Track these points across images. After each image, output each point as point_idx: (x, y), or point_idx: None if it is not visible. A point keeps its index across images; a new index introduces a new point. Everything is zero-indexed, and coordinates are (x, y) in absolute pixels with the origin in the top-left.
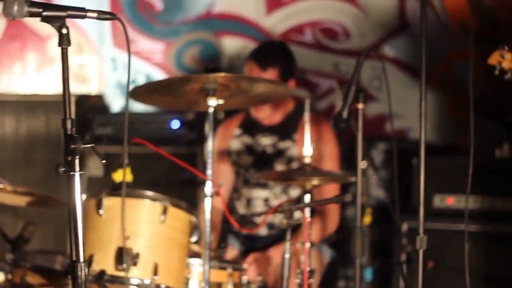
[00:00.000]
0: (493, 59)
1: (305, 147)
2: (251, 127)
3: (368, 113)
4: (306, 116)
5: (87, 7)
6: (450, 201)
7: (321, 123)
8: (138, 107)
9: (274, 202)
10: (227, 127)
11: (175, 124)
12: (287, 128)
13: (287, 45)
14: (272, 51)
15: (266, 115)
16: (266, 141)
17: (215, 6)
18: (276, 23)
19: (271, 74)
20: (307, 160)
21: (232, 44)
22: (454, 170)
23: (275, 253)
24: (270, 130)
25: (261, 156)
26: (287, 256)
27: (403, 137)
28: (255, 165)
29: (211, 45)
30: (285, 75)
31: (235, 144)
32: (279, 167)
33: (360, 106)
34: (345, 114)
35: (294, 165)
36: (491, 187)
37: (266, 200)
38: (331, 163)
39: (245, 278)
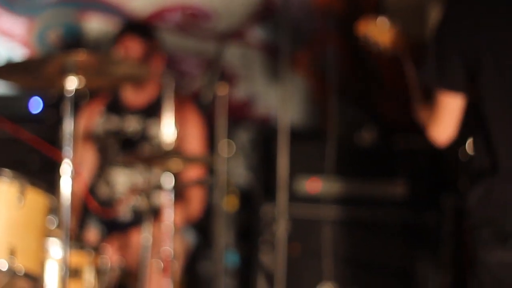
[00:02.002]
0: (359, 28)
1: (168, 129)
2: (117, 109)
3: (234, 96)
4: (169, 98)
5: None
6: (313, 185)
7: (187, 105)
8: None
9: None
10: (92, 109)
11: (38, 104)
12: (153, 111)
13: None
14: (141, 27)
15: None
16: (132, 124)
17: None
18: (143, 4)
19: (145, 45)
20: (171, 143)
21: (97, 25)
22: (318, 154)
23: (137, 236)
24: (136, 112)
25: (127, 139)
26: (147, 238)
27: (270, 121)
28: (122, 148)
29: (76, 25)
30: (150, 52)
31: (100, 126)
32: (146, 149)
33: (223, 89)
34: (208, 97)
35: (159, 147)
36: (352, 172)
37: (131, 184)
38: (196, 146)
39: (105, 261)
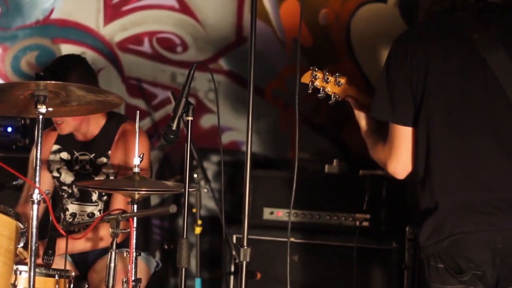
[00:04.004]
0: (305, 78)
1: (135, 156)
2: (69, 138)
3: (204, 125)
4: (137, 126)
5: None
6: (280, 214)
7: (140, 136)
8: None
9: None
10: (46, 137)
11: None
12: (102, 144)
13: (83, 58)
14: (62, 66)
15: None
16: (83, 158)
17: (54, 13)
18: (115, 31)
19: None
20: (136, 170)
21: (70, 51)
22: (284, 184)
23: (102, 262)
24: (86, 146)
25: (80, 168)
26: (112, 265)
27: (238, 150)
28: (74, 176)
29: (49, 51)
30: None
31: (53, 155)
32: (110, 177)
33: (189, 118)
34: (174, 125)
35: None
36: (319, 202)
37: (90, 216)
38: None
39: (71, 286)
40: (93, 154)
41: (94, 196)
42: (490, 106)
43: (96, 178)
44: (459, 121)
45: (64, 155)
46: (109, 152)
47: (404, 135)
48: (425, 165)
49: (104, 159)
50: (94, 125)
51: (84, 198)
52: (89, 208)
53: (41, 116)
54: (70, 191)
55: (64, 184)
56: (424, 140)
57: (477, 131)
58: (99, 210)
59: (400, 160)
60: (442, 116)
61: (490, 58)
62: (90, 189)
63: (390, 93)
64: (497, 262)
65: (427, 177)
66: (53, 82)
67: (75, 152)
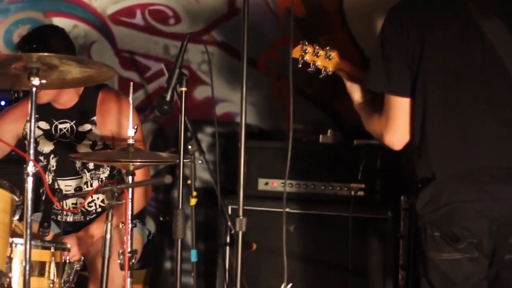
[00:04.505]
0: (296, 53)
1: (129, 128)
2: (47, 109)
3: (197, 96)
4: (130, 98)
5: None
6: (275, 184)
7: (123, 101)
8: None
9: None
10: (22, 109)
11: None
12: (83, 111)
13: (62, 28)
14: (40, 36)
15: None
16: (63, 126)
17: None
18: (107, 4)
19: None
20: (131, 141)
21: (62, 25)
22: (279, 154)
23: (97, 233)
24: (66, 114)
25: (60, 140)
26: (108, 236)
27: (232, 121)
28: (55, 151)
29: (42, 23)
30: None
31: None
32: (84, 150)
33: (183, 88)
34: (168, 96)
35: (99, 147)
36: (314, 172)
37: (77, 189)
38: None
39: (66, 257)
40: (74, 121)
41: (78, 165)
42: (486, 75)
43: (79, 146)
44: (456, 91)
45: (43, 124)
46: (94, 118)
47: (400, 106)
48: (421, 135)
49: (88, 126)
50: (73, 93)
51: (65, 171)
52: (74, 182)
53: (34, 89)
54: (45, 162)
55: (41, 154)
56: (421, 110)
57: (473, 101)
58: (85, 183)
59: (396, 131)
60: (438, 86)
61: (486, 27)
62: (84, 160)
63: (385, 64)
64: (493, 230)
65: (423, 147)
66: (46, 54)
67: (54, 121)
